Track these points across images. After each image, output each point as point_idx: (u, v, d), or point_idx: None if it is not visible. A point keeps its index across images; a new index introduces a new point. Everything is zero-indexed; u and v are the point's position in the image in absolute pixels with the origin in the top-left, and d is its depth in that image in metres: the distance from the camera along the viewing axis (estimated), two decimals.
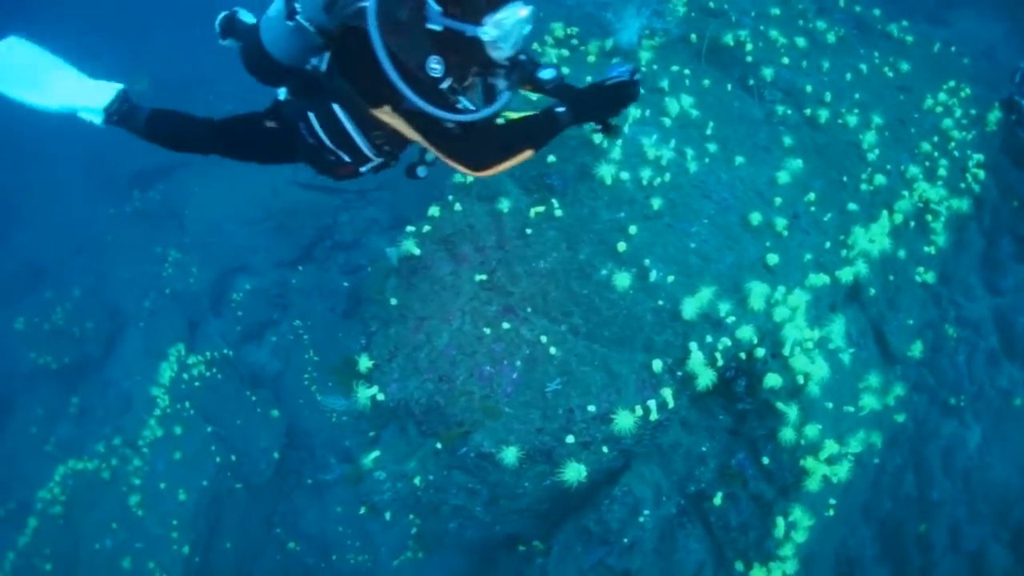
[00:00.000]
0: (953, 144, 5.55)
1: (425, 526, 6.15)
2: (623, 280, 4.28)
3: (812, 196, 4.95)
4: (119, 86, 3.12)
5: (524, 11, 2.33)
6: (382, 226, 10.25)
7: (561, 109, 2.67)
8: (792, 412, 4.35)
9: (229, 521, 7.90)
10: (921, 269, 5.41)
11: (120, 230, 11.14)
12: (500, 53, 2.38)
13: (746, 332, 4.17)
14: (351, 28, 2.47)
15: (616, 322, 4.34)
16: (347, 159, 2.93)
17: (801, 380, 4.36)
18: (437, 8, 2.24)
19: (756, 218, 4.64)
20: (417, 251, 5.05)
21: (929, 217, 5.37)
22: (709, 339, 4.21)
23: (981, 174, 5.53)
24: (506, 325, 4.54)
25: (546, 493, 4.96)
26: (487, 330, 4.58)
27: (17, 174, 12.85)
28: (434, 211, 5.26)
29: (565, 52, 5.97)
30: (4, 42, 2.99)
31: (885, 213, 5.06)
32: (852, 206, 5.03)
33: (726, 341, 4.18)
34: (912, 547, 6.57)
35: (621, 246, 4.41)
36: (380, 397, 4.82)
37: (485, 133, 2.60)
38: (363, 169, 3.04)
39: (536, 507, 5.26)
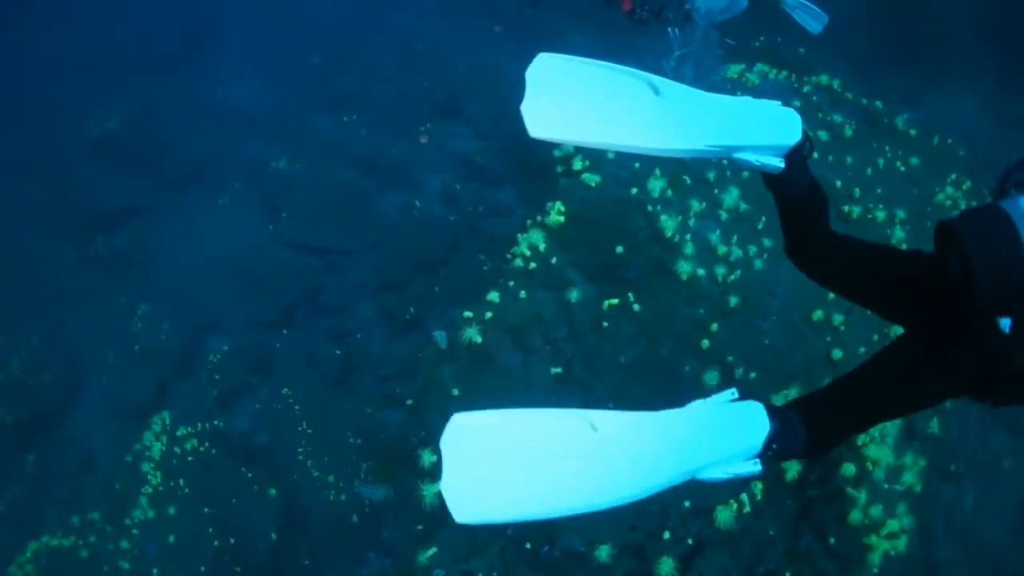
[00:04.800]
0: None
1: None
2: (712, 377, 4.59)
3: None
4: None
5: None
6: (368, 290, 10.25)
7: None
8: (862, 496, 4.76)
9: None
10: None
11: (81, 276, 10.78)
12: None
13: None
14: None
15: None
16: None
17: (870, 467, 4.78)
18: None
19: (818, 315, 5.07)
20: (479, 339, 5.19)
21: None
22: None
23: None
24: None
25: None
26: None
27: None
28: (493, 296, 5.43)
29: None
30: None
31: None
32: None
33: None
34: None
35: (704, 343, 4.73)
36: None
37: None
38: None
39: None
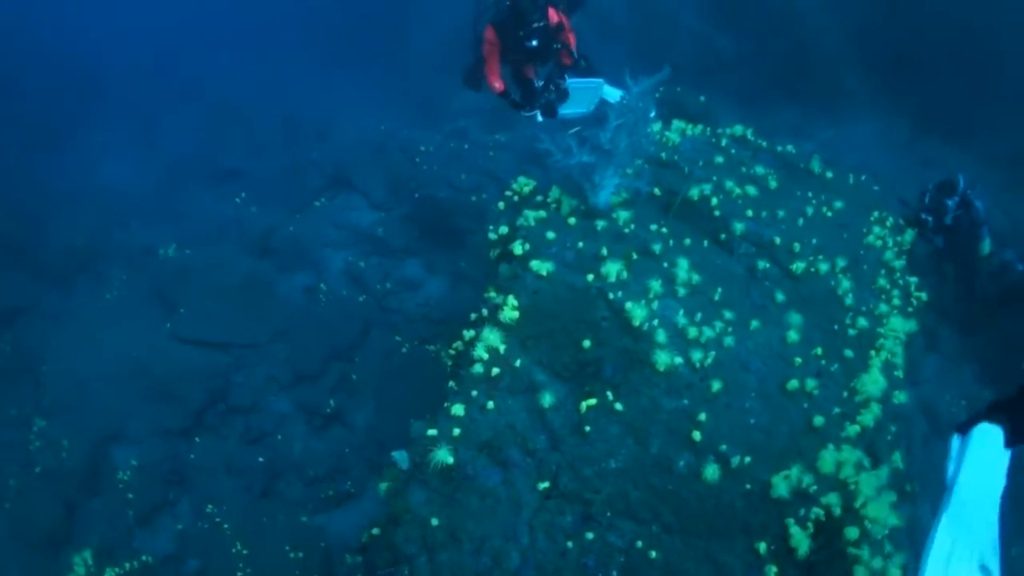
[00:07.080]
0: (897, 274, 6.51)
1: None
2: (712, 471, 4.54)
3: (819, 350, 5.57)
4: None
5: None
6: (281, 384, 9.75)
7: None
8: (864, 553, 4.84)
9: None
10: (897, 392, 6.22)
11: None
12: None
13: (831, 498, 4.62)
14: None
15: (709, 513, 4.57)
16: None
17: (869, 525, 4.86)
18: None
19: (792, 384, 5.14)
20: (451, 459, 4.90)
21: (900, 346, 6.22)
22: (802, 512, 4.60)
23: (924, 296, 6.53)
24: (590, 535, 4.59)
25: None
26: (569, 543, 4.60)
27: None
28: (458, 410, 5.15)
29: (543, 213, 6.21)
30: None
31: (873, 354, 5.81)
32: (848, 352, 5.72)
33: (818, 510, 4.59)
34: None
35: (696, 435, 4.67)
36: None
37: None
38: None
39: None
